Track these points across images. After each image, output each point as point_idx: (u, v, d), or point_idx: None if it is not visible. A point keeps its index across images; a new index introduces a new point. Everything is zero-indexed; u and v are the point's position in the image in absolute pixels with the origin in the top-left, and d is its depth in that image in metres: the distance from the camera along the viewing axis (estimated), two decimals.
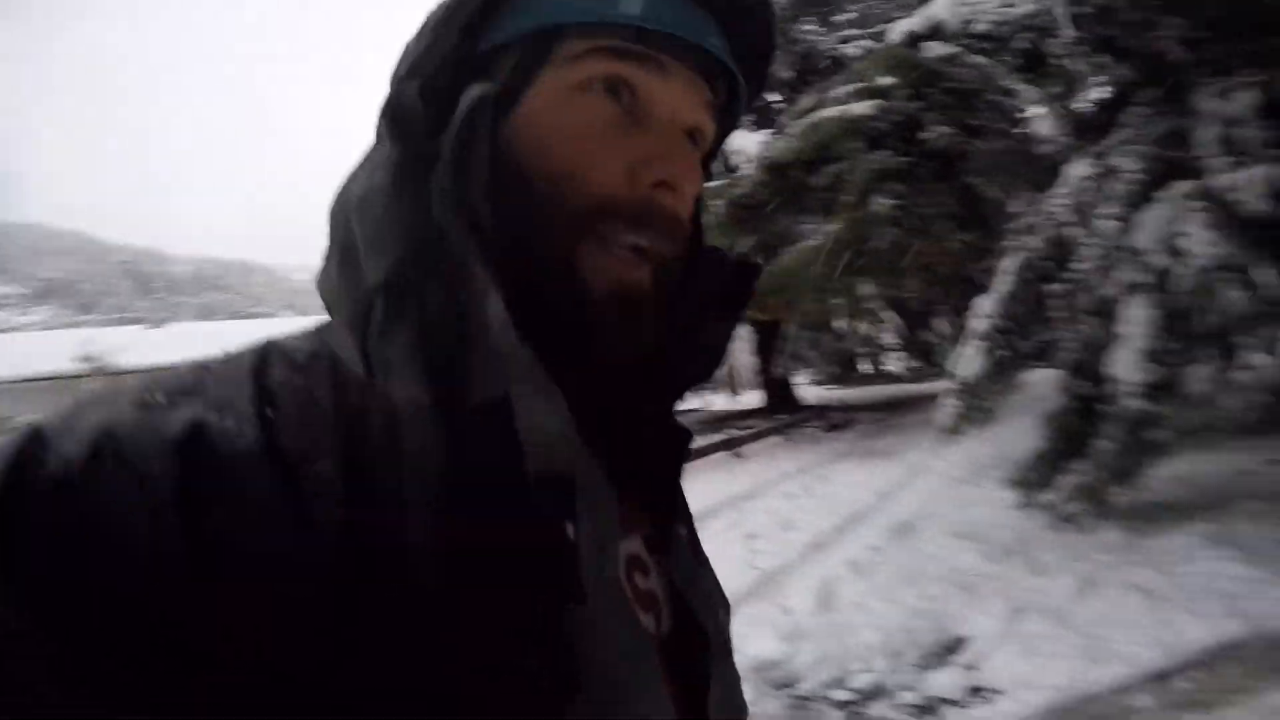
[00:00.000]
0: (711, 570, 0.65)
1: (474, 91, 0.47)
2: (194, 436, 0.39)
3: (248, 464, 0.39)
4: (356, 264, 0.47)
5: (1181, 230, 4.21)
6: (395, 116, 0.48)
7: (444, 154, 0.46)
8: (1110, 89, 6.73)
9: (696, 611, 0.56)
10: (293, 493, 0.39)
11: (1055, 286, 5.64)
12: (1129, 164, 5.52)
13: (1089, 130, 6.86)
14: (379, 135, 0.50)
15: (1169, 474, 5.23)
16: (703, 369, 0.59)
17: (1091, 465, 4.47)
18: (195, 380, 0.44)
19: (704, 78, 0.53)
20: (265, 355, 0.47)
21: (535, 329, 0.46)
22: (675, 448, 0.59)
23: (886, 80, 7.04)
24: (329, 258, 0.51)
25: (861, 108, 6.87)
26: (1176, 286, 4.04)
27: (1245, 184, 4.26)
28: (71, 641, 0.34)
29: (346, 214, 0.49)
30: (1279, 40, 5.37)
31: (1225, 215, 4.24)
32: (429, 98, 0.48)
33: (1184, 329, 4.04)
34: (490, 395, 0.43)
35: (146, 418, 0.40)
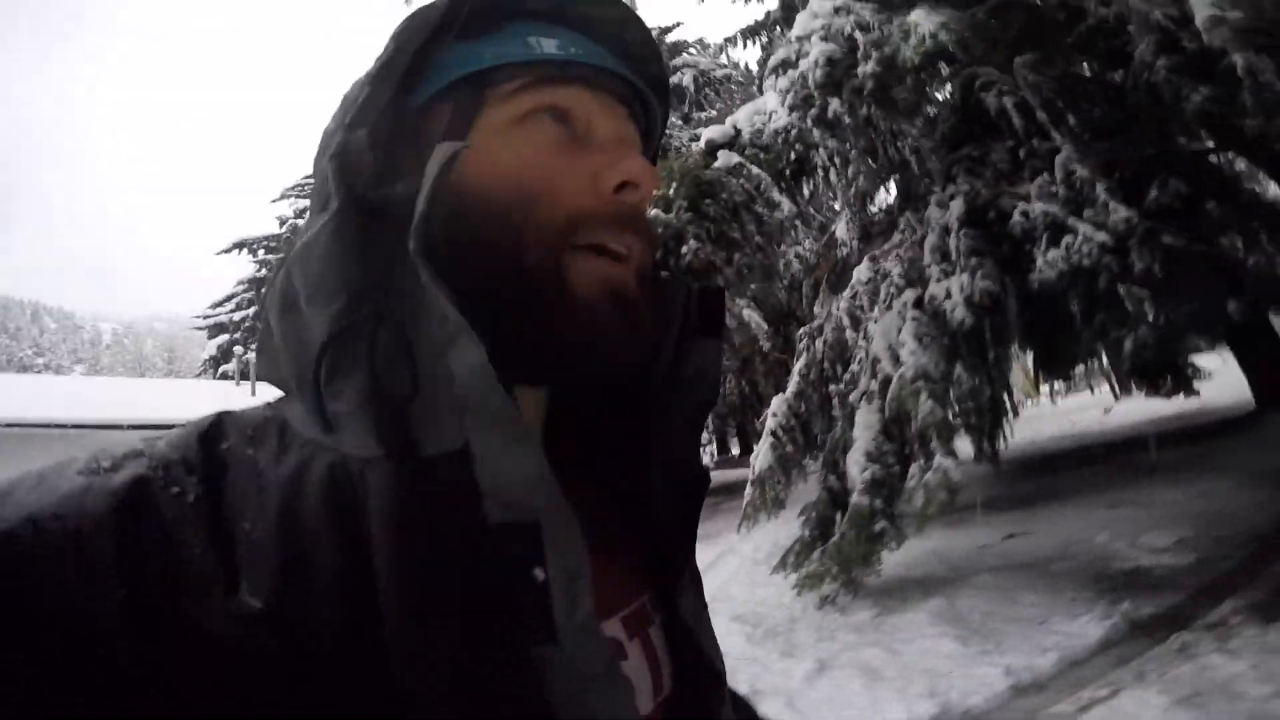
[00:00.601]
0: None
1: (446, 147, 0.47)
2: (134, 494, 0.40)
3: (186, 524, 0.40)
4: (299, 317, 0.47)
5: (900, 339, 4.70)
6: (343, 163, 0.48)
7: (420, 204, 0.45)
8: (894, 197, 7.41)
9: (706, 648, 0.57)
10: (226, 555, 0.39)
11: (833, 388, 6.13)
12: (896, 269, 6.12)
13: (876, 235, 7.52)
14: (320, 182, 0.50)
15: (924, 549, 5.69)
16: (707, 392, 0.59)
17: (834, 551, 4.83)
18: (145, 445, 0.45)
19: (621, 104, 0.57)
20: (217, 423, 0.48)
21: (528, 355, 0.49)
22: (692, 487, 0.58)
23: (670, 191, 7.48)
24: (265, 328, 0.52)
25: None
26: (894, 394, 4.50)
27: (949, 293, 4.84)
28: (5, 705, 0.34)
29: (289, 268, 0.48)
30: (982, 151, 6.16)
31: (935, 324, 4.77)
32: (374, 147, 0.49)
33: (898, 433, 4.48)
34: (446, 448, 0.42)
35: (90, 482, 0.40)
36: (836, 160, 6.77)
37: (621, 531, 0.53)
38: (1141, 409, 10.93)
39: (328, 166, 0.48)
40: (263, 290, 0.52)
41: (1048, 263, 4.50)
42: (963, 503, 7.80)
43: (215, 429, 0.47)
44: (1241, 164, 6.53)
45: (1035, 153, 5.67)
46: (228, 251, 21.98)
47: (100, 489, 0.40)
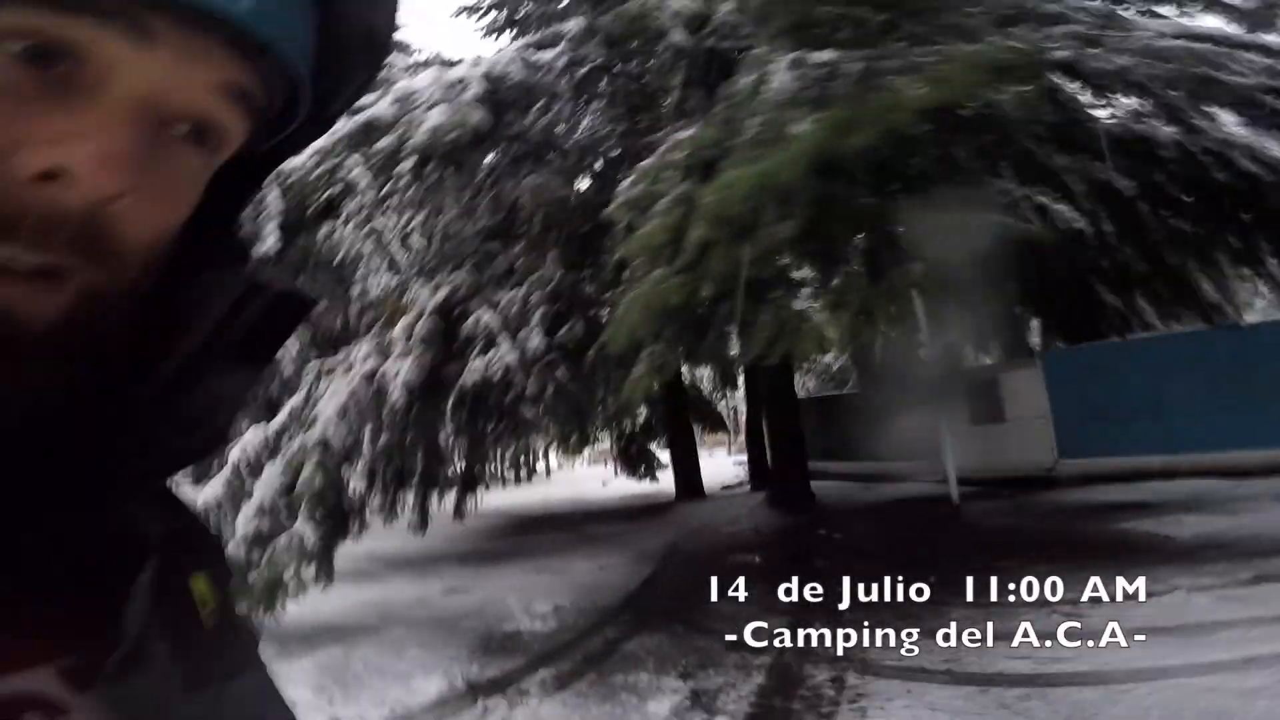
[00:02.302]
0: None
1: None
2: None
3: None
4: None
5: (326, 406, 5.13)
6: None
7: None
8: None
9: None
10: None
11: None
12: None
13: None
14: None
15: (374, 595, 6.08)
16: (208, 437, 0.43)
17: None
18: None
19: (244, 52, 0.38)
20: None
21: None
22: (138, 544, 0.39)
23: None
24: None
25: None
26: (290, 456, 4.87)
27: (398, 373, 5.41)
28: None
29: None
30: (492, 249, 6.98)
31: (375, 399, 5.28)
32: None
33: (294, 500, 4.83)
34: None
35: None
36: (362, 213, 7.15)
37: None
38: (630, 486, 13.07)
39: None
40: None
41: (471, 369, 5.26)
42: (437, 553, 8.61)
43: None
44: None
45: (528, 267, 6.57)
46: None
47: None
